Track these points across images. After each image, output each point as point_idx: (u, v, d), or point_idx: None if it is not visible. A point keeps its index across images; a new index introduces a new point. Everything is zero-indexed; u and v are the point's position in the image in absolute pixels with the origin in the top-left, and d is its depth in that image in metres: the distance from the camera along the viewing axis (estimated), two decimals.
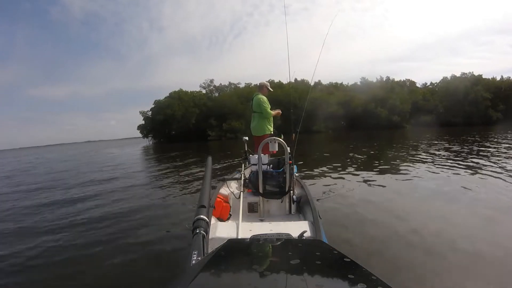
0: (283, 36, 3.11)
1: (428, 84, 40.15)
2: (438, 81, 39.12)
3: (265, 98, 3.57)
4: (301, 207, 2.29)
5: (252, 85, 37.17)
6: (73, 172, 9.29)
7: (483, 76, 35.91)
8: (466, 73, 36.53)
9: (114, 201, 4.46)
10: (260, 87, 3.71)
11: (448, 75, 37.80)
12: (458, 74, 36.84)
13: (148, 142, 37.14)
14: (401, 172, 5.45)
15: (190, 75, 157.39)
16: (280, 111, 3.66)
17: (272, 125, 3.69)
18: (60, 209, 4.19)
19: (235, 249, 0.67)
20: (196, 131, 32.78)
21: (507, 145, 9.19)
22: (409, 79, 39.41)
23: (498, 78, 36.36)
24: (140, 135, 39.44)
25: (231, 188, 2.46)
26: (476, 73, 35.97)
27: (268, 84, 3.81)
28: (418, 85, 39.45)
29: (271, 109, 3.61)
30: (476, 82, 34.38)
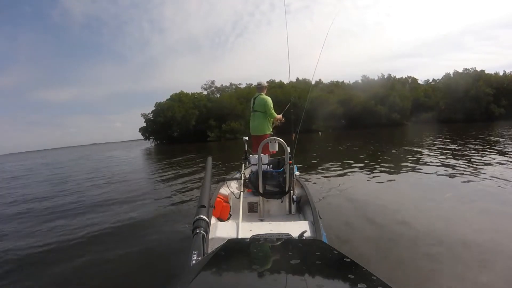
0: (285, 35, 3.11)
1: (430, 80, 39.98)
2: (440, 78, 38.90)
3: (270, 99, 3.62)
4: (301, 207, 2.29)
5: (253, 85, 37.17)
6: (73, 175, 9.34)
7: (489, 71, 35.37)
8: (468, 69, 36.25)
9: (113, 202, 4.48)
10: (261, 88, 3.73)
11: (452, 71, 37.41)
12: (462, 70, 36.46)
13: (150, 144, 37.36)
14: (402, 171, 5.42)
15: (194, 75, 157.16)
16: (282, 118, 3.66)
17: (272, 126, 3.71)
18: (58, 210, 4.22)
19: (235, 249, 0.67)
20: (196, 132, 32.83)
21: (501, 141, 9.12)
22: (410, 76, 39.26)
23: (502, 73, 35.95)
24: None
25: (231, 188, 2.46)
26: (482, 68, 35.47)
27: (266, 83, 3.86)
28: (420, 81, 39.28)
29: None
30: (477, 77, 33.95)
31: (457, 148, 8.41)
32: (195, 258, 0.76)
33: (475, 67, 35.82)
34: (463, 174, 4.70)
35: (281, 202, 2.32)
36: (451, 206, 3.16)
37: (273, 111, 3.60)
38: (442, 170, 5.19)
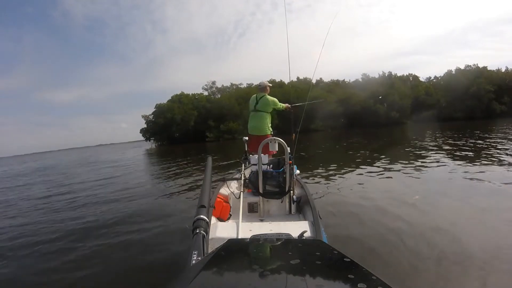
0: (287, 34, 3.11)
1: (432, 78, 39.57)
2: (442, 75, 38.46)
3: (275, 99, 3.61)
4: (301, 207, 2.29)
5: (254, 85, 37.17)
6: (73, 175, 9.37)
7: (494, 68, 34.79)
8: (470, 66, 35.80)
9: (113, 203, 4.49)
10: (263, 88, 3.71)
11: (455, 68, 36.84)
12: (464, 67, 35.82)
13: (151, 145, 37.49)
14: (402, 170, 5.40)
15: (198, 75, 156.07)
16: (289, 105, 3.66)
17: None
18: (59, 210, 4.23)
19: (235, 249, 0.67)
20: (195, 133, 32.91)
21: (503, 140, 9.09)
22: (412, 74, 38.87)
23: (504, 70, 35.31)
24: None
25: (231, 188, 2.47)
26: (487, 65, 35.39)
27: (268, 83, 3.82)
28: (422, 79, 38.82)
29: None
30: (478, 74, 33.46)
31: (447, 146, 8.43)
32: (195, 258, 0.76)
33: (477, 64, 35.41)
34: (466, 174, 4.68)
35: (281, 202, 2.32)
36: (455, 207, 3.13)
37: (280, 105, 3.61)
38: (443, 171, 5.17)
